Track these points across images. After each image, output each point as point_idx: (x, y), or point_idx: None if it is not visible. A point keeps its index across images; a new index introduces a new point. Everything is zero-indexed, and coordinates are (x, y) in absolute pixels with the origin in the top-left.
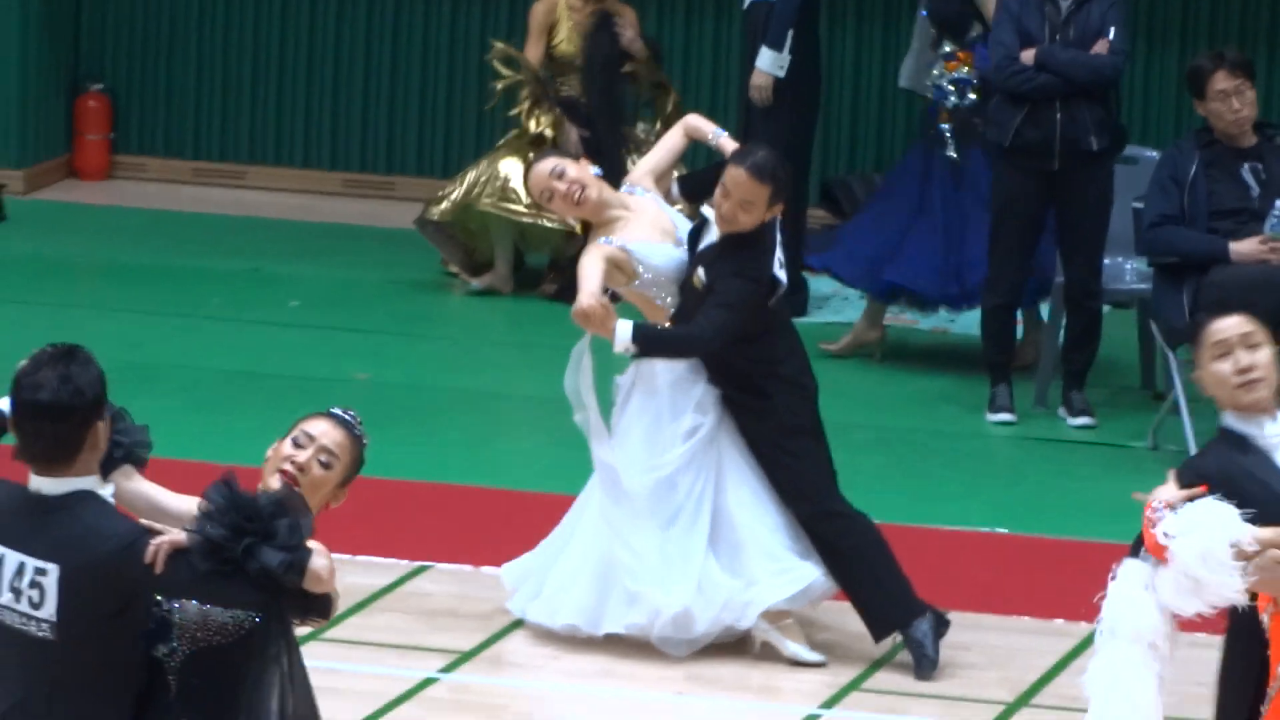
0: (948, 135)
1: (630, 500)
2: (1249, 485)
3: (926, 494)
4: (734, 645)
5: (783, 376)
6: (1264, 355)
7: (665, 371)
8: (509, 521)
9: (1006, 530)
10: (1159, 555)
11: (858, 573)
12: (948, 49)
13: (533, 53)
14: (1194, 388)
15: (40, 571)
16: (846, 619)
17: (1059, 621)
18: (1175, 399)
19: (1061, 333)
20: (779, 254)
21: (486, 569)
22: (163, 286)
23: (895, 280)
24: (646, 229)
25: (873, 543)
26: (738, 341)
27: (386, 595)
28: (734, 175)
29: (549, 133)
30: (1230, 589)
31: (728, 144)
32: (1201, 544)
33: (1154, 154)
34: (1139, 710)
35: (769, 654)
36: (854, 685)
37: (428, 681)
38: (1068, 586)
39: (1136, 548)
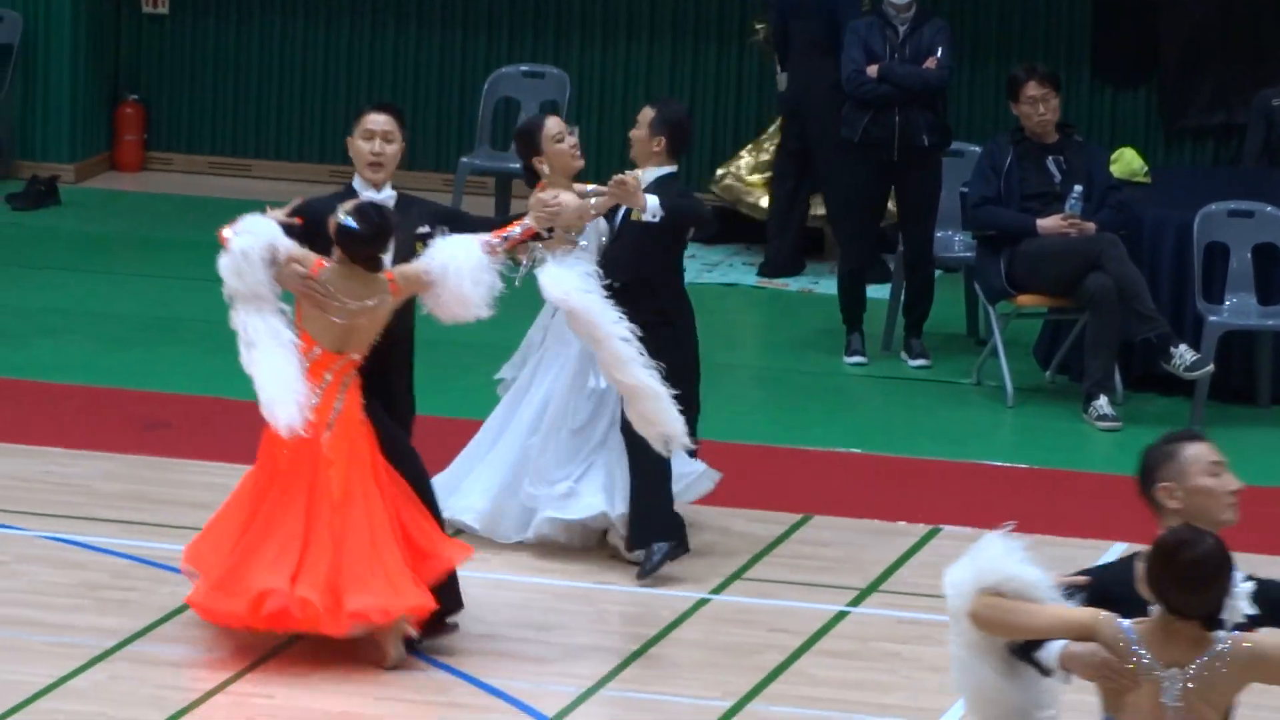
0: None
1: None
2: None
3: (796, 421)
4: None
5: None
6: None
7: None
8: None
9: (860, 450)
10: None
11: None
12: None
13: None
14: (1010, 334)
15: None
16: (728, 521)
17: (901, 523)
18: (994, 345)
19: (902, 292)
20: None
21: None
22: (184, 257)
23: None
24: None
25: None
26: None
27: None
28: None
29: None
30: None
31: None
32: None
33: (976, 148)
34: None
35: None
36: (737, 574)
37: None
38: (908, 494)
39: None
